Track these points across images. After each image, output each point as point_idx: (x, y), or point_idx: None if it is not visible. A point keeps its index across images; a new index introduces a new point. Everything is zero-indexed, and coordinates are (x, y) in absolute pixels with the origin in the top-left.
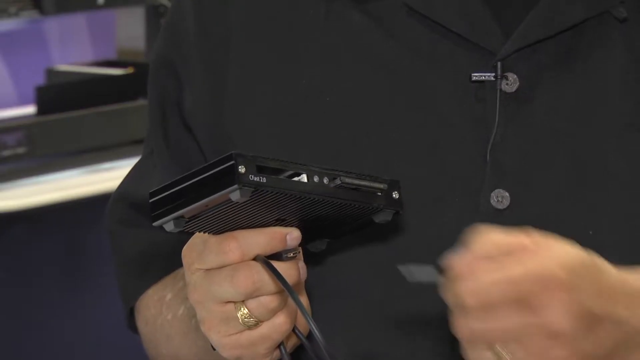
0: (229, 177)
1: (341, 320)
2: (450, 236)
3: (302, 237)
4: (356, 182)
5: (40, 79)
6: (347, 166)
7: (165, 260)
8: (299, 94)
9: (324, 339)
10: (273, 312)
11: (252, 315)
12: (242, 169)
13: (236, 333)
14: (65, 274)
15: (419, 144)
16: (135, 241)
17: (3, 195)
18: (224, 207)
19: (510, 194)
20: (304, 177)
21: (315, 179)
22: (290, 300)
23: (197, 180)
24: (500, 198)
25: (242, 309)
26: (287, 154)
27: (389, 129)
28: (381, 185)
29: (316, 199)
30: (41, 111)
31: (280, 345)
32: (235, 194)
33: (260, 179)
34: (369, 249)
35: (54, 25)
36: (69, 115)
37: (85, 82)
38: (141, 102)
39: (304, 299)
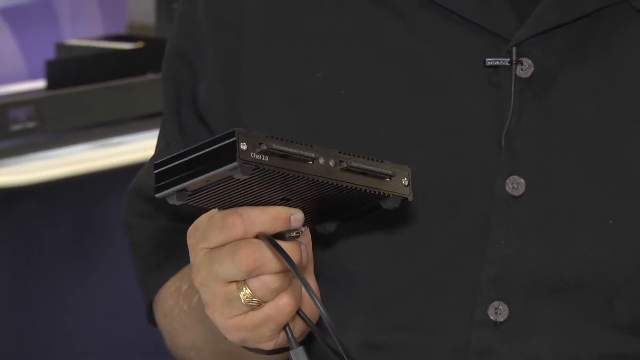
0: (230, 154)
1: (353, 307)
2: (467, 222)
3: (310, 218)
4: (363, 166)
5: (50, 54)
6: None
7: (183, 252)
8: (315, 85)
9: (333, 321)
10: (276, 293)
11: (255, 295)
12: (243, 146)
13: (239, 315)
14: (74, 248)
15: (434, 130)
16: (153, 234)
17: (13, 169)
18: (226, 183)
19: (525, 181)
20: (309, 158)
21: (321, 160)
22: (295, 282)
23: (200, 155)
24: (515, 185)
25: (244, 289)
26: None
27: (403, 116)
28: (389, 171)
29: (320, 181)
30: (51, 86)
31: (285, 327)
32: (235, 171)
33: (262, 157)
34: (383, 236)
35: (65, 0)
36: (79, 90)
37: (95, 56)
38: (150, 76)
39: (311, 283)
